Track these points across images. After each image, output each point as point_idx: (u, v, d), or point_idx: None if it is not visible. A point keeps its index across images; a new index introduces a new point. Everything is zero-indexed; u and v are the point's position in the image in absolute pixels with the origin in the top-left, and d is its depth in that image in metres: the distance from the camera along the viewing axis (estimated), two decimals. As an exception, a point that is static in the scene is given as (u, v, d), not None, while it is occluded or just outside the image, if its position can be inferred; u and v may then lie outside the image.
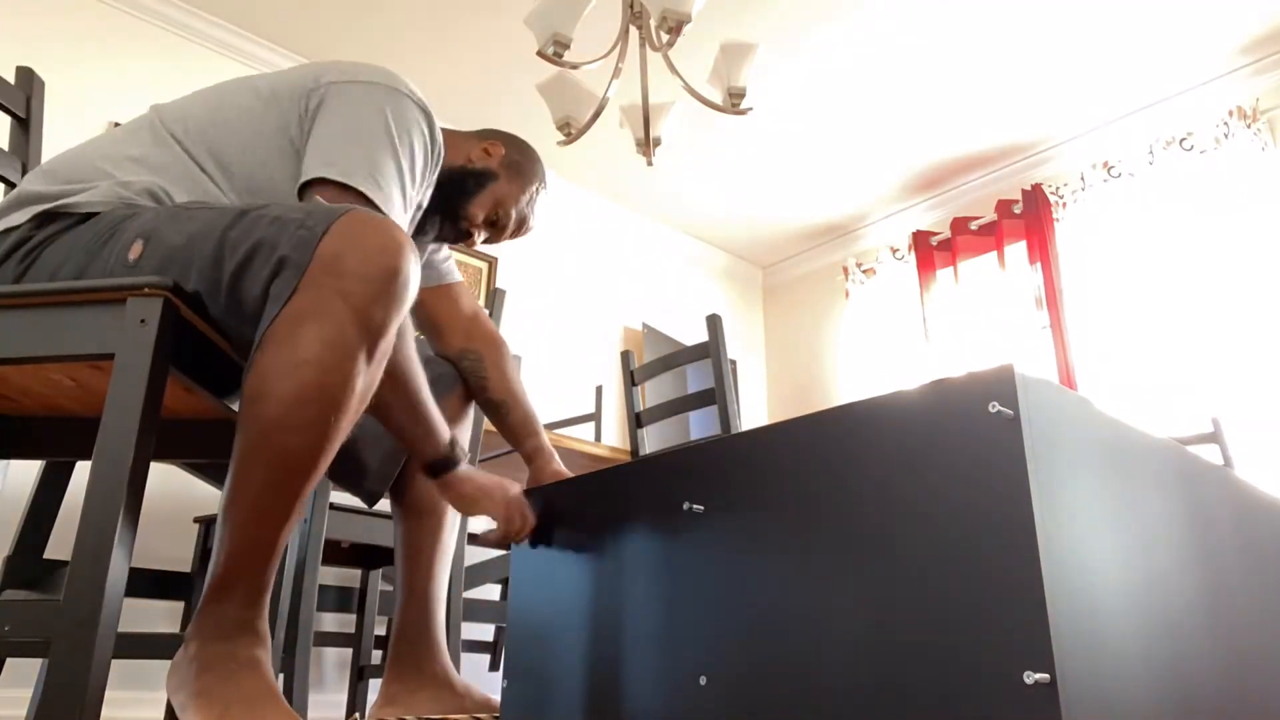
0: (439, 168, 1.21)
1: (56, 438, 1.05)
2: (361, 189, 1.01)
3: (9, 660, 1.65)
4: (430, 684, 1.24)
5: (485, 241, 1.41)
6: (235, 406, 0.96)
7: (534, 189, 1.41)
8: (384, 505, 2.87)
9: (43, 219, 0.97)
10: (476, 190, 1.34)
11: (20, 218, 0.97)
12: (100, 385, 0.92)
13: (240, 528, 0.82)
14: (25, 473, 2.49)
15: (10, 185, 1.26)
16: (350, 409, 0.85)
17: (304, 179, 1.02)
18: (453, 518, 1.36)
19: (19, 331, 0.81)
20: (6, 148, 1.28)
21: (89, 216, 0.96)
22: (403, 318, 0.91)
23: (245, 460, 0.82)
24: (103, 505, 0.72)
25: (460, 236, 1.37)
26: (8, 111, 1.27)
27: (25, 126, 1.28)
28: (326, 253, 0.84)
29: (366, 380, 0.87)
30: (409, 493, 1.35)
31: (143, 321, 0.79)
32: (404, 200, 1.08)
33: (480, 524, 3.33)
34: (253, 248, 0.87)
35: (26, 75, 1.31)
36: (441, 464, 1.16)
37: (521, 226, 1.42)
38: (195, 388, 0.92)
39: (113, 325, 0.79)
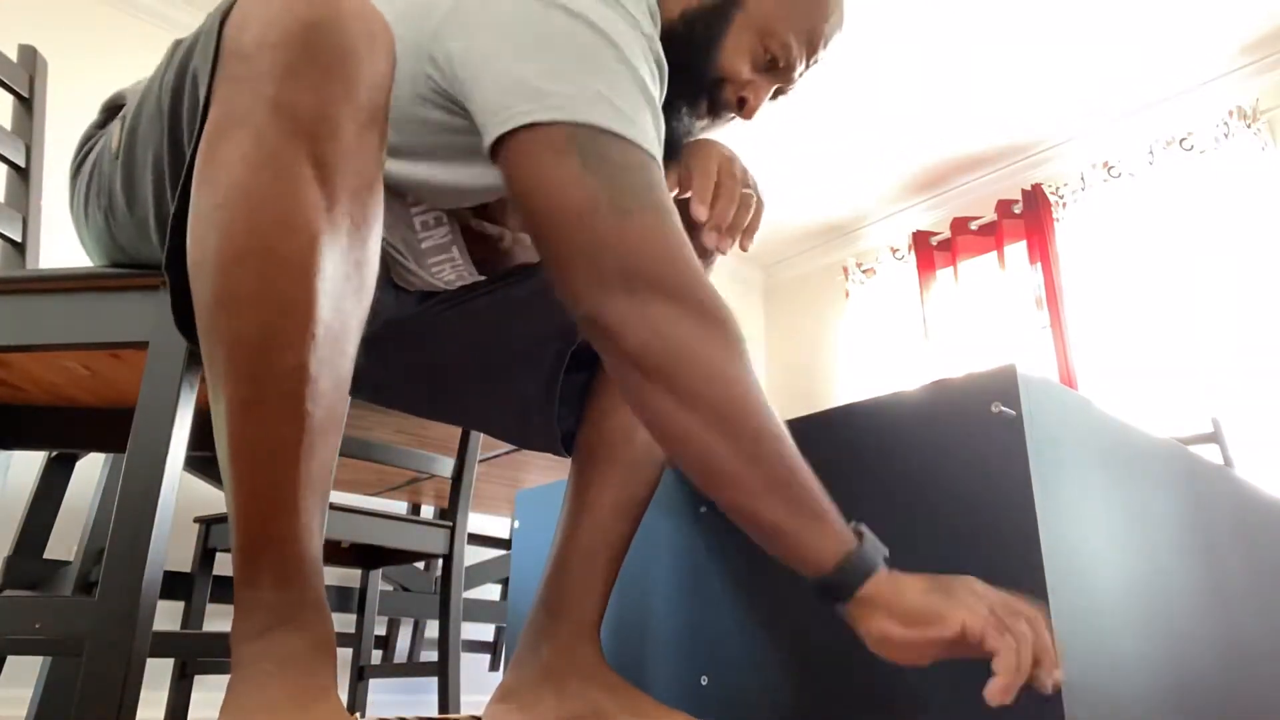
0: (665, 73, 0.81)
1: (62, 428, 1.03)
2: (598, 122, 0.68)
3: (9, 660, 1.65)
4: (554, 677, 0.88)
5: (776, 95, 0.98)
6: None
7: None
8: (380, 504, 2.87)
9: (106, 113, 0.88)
10: (720, 33, 0.89)
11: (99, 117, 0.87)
12: (116, 374, 0.91)
13: (235, 477, 0.58)
14: (26, 471, 2.49)
15: (13, 166, 1.23)
16: (305, 259, 0.56)
17: (494, 135, 0.70)
18: (639, 461, 0.94)
19: (45, 318, 0.78)
20: (9, 127, 1.25)
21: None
22: (364, 105, 0.59)
23: (210, 376, 0.59)
24: (138, 499, 0.70)
25: (730, 108, 0.94)
26: (10, 90, 1.24)
27: (28, 106, 1.26)
28: (229, 37, 0.59)
29: (322, 209, 0.57)
30: (578, 428, 1.01)
31: None
32: (658, 131, 0.74)
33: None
34: (178, 78, 0.67)
35: (29, 53, 1.28)
36: (824, 587, 0.70)
37: (816, 46, 0.93)
38: None
39: (146, 312, 0.76)
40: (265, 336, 0.57)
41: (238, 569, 0.61)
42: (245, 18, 0.58)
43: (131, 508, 0.70)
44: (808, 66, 0.95)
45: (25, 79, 1.26)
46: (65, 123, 2.74)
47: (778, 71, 0.93)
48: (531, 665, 0.90)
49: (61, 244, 2.68)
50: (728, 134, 1.07)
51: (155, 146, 0.71)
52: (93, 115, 0.92)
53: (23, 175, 1.22)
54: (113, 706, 0.65)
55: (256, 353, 0.57)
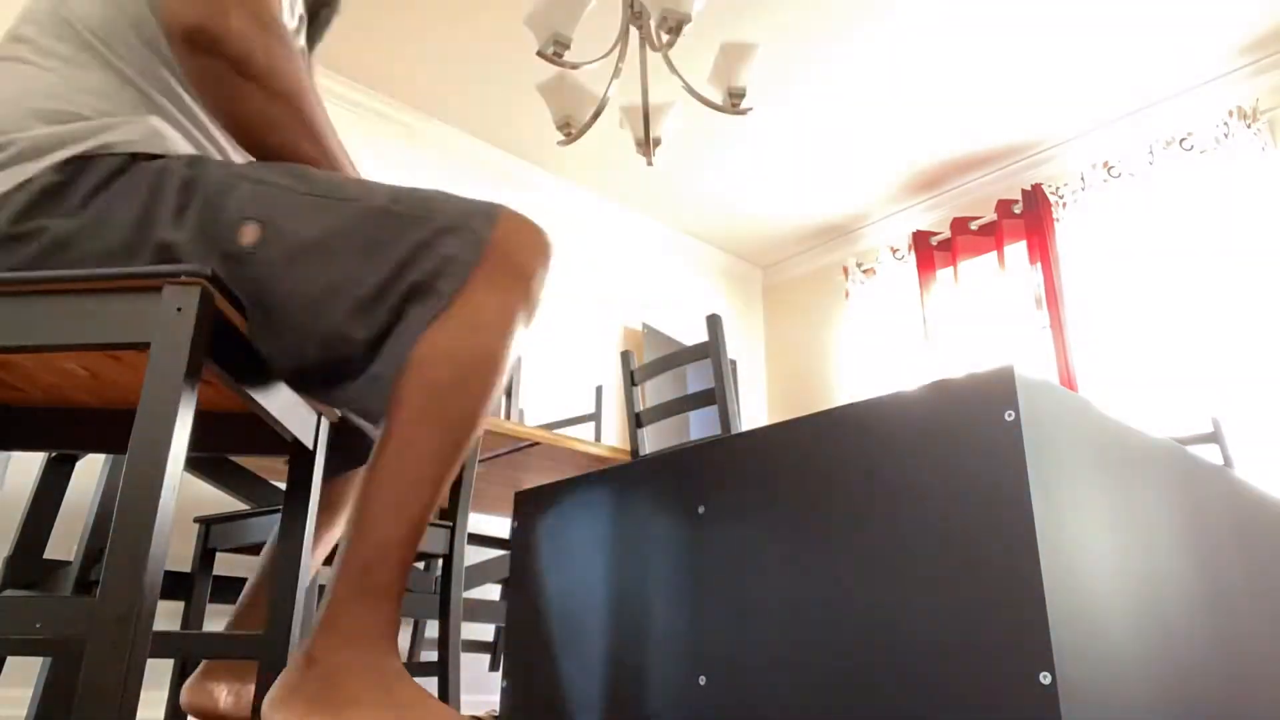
0: None
1: (61, 429, 1.03)
2: None
3: (9, 660, 1.65)
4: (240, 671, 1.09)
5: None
6: (256, 396, 0.93)
7: None
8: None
9: (72, 165, 0.85)
10: None
11: (33, 168, 0.84)
12: (115, 375, 0.91)
13: (399, 506, 0.78)
14: (26, 471, 2.49)
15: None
16: (506, 367, 0.87)
17: None
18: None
19: (45, 319, 0.78)
20: None
21: (126, 161, 0.87)
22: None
23: (411, 427, 0.80)
24: (139, 499, 0.71)
25: None
26: None
27: None
28: (497, 249, 0.86)
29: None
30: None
31: (179, 310, 0.76)
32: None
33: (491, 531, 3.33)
34: (414, 250, 0.86)
35: None
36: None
37: None
38: (221, 379, 0.88)
39: (148, 314, 0.77)
40: (476, 418, 0.84)
41: (350, 588, 0.75)
42: (512, 245, 0.87)
43: (132, 508, 0.71)
44: None
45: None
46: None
47: None
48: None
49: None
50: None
51: (353, 275, 0.84)
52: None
53: None
54: (113, 707, 0.66)
55: (467, 428, 0.83)
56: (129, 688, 0.67)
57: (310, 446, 1.07)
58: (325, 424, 1.11)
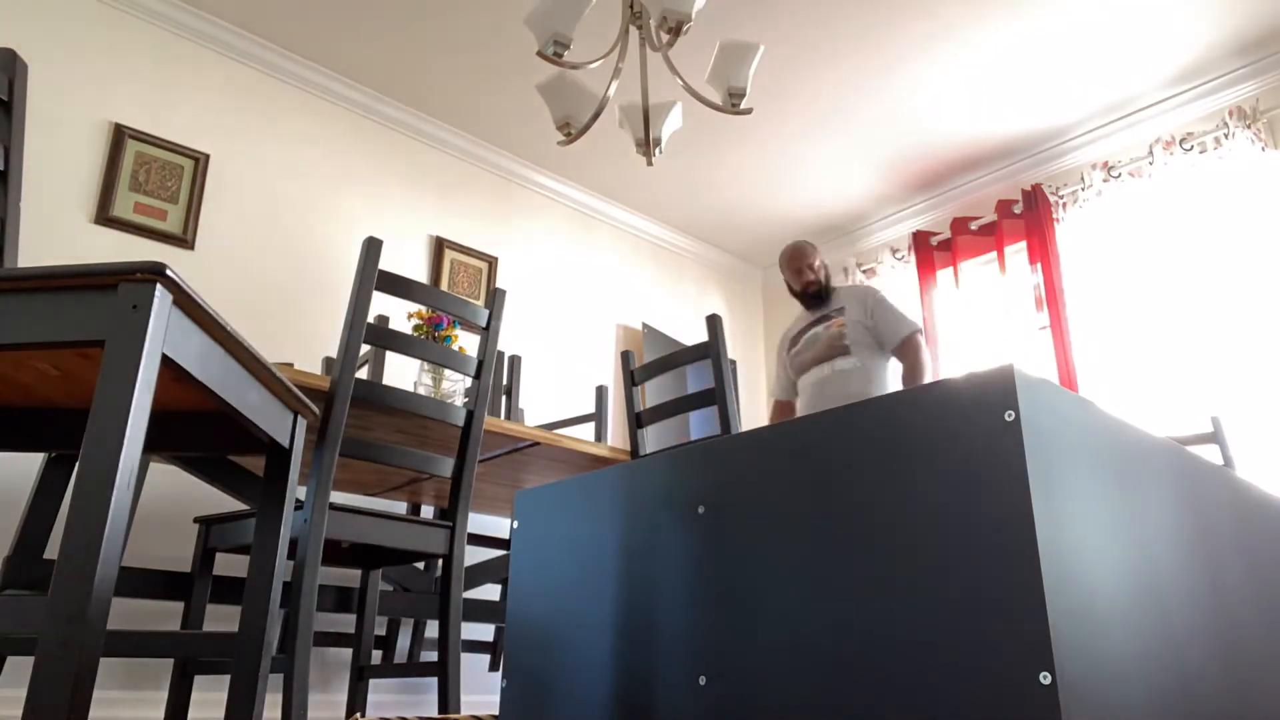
0: None
1: (42, 430, 1.02)
2: None
3: (9, 659, 1.65)
4: None
5: None
6: (225, 395, 0.91)
7: None
8: (380, 504, 2.87)
9: None
10: None
11: None
12: (87, 374, 0.90)
13: None
14: (25, 471, 2.49)
15: (-8, 171, 1.22)
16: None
17: None
18: None
19: (2, 317, 0.77)
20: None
21: None
22: None
23: None
24: (92, 499, 0.70)
25: None
26: None
27: (7, 110, 1.24)
28: None
29: None
30: None
31: (135, 307, 0.75)
32: None
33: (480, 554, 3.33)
34: None
35: (9, 56, 1.26)
36: None
37: None
38: (189, 378, 0.87)
39: (103, 311, 0.75)
40: None
41: None
42: None
43: (86, 506, 0.70)
44: None
45: (5, 82, 1.25)
46: (64, 135, 2.74)
47: None
48: None
49: (43, 248, 2.68)
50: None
51: None
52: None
53: (1, 179, 1.21)
54: (62, 705, 0.65)
55: None
56: (79, 686, 0.66)
57: (286, 445, 1.05)
58: (302, 423, 1.09)
